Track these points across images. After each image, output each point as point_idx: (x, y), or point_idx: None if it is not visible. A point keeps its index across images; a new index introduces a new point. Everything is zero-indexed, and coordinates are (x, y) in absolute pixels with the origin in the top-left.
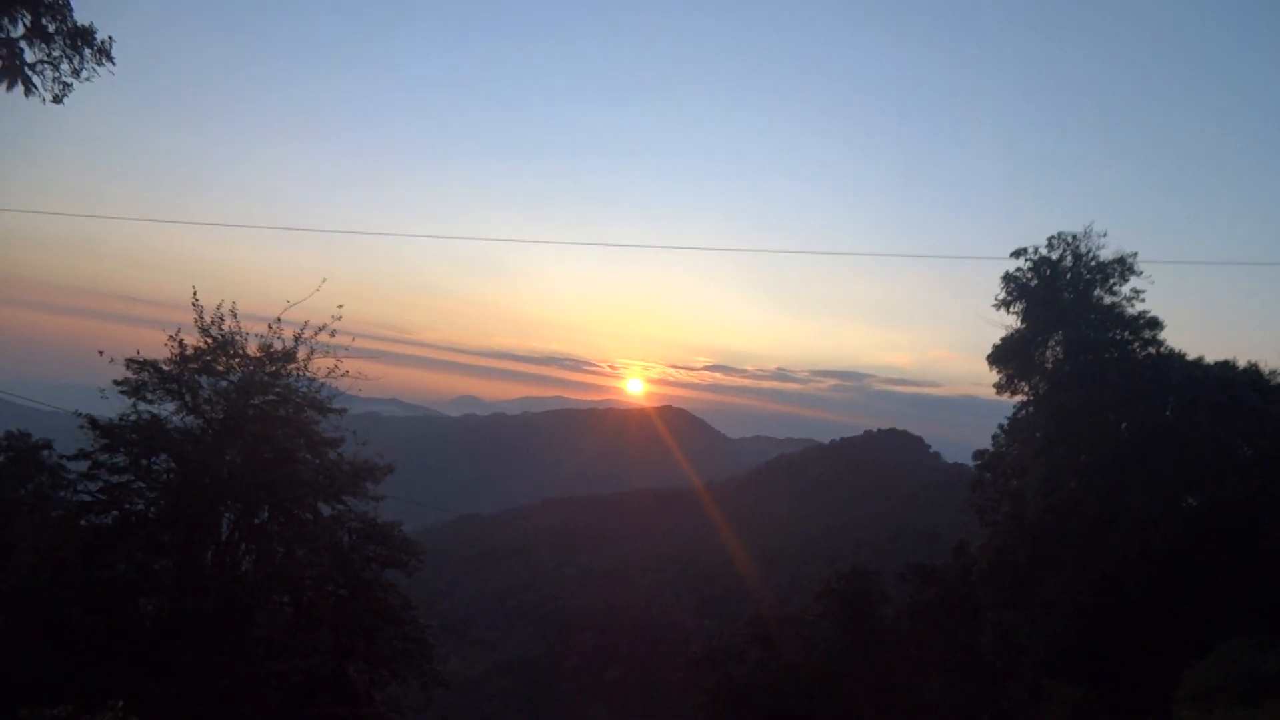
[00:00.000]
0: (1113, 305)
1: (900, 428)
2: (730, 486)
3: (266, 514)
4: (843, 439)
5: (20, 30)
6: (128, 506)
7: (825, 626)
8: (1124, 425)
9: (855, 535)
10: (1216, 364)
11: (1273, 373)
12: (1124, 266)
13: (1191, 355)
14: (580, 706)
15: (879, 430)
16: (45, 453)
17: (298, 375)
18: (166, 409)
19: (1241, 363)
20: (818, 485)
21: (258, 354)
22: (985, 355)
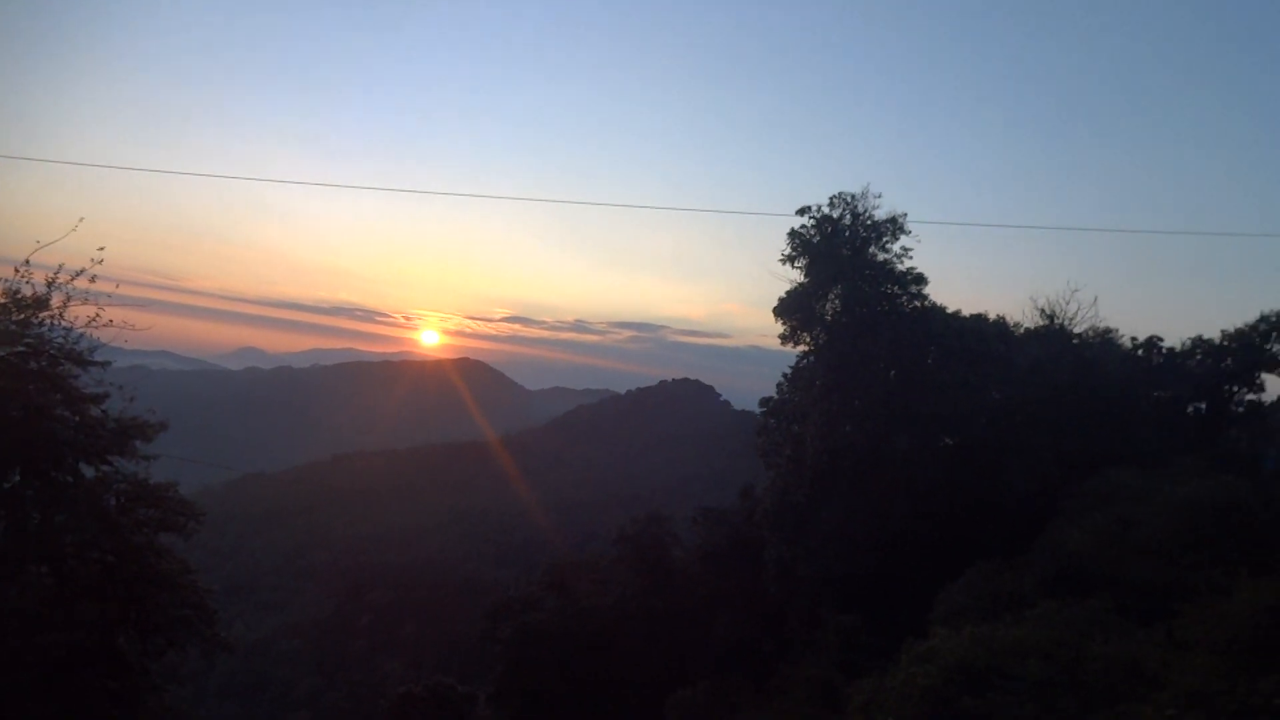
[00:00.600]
0: (885, 261)
1: (693, 377)
2: (528, 438)
3: (18, 477)
4: (639, 389)
5: None
6: None
7: (620, 571)
8: (892, 373)
9: (649, 482)
10: (971, 317)
11: (1016, 325)
12: (895, 225)
13: (951, 309)
14: (374, 664)
15: (673, 380)
16: None
17: (52, 324)
18: None
19: (992, 316)
20: (614, 435)
21: (2, 299)
22: (772, 308)
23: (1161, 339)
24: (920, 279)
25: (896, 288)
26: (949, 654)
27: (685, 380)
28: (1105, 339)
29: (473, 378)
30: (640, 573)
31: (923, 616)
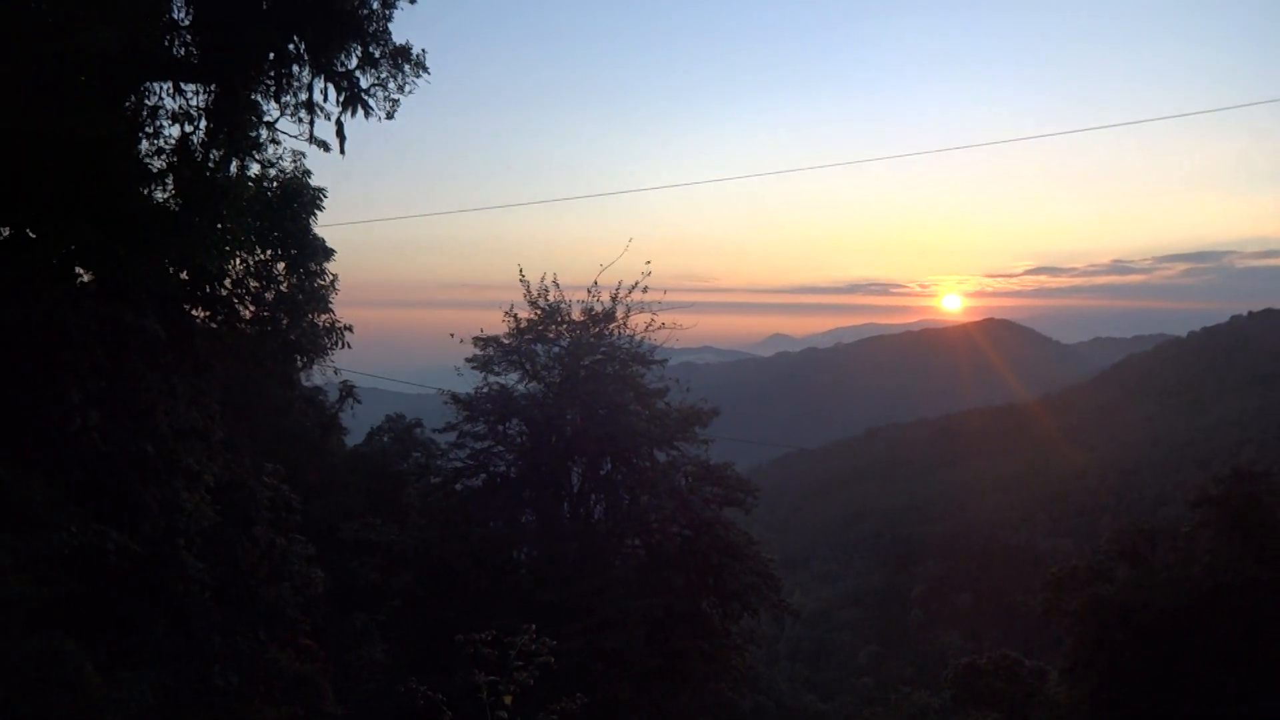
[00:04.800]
0: None
1: (1278, 307)
2: (1071, 396)
3: (609, 465)
4: (1203, 329)
5: (354, 62)
6: (492, 469)
7: (1205, 538)
8: None
9: (1233, 435)
10: None
11: None
12: None
13: None
14: (932, 635)
15: (1250, 314)
16: (418, 430)
17: (618, 333)
18: (511, 379)
19: None
20: (1178, 384)
21: (581, 318)
22: None
23: None
24: None
25: None
26: None
27: (1268, 311)
28: None
29: (999, 338)
30: (1233, 540)
31: None
